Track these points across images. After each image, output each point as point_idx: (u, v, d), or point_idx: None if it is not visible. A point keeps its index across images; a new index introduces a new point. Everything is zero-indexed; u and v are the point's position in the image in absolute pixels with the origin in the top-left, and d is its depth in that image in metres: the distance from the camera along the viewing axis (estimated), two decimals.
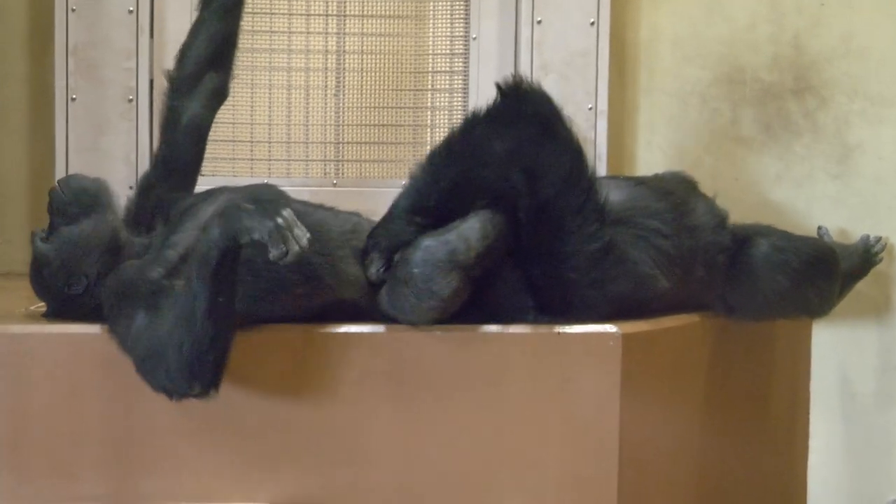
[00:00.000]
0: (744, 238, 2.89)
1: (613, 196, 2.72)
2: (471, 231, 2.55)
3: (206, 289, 2.33)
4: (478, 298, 2.63)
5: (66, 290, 2.61)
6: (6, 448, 2.56)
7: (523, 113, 2.62)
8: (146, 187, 2.78)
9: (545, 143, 2.60)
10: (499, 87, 2.66)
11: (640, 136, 3.65)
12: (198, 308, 2.33)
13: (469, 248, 2.53)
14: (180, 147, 2.79)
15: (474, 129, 2.64)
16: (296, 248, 2.29)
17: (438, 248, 2.52)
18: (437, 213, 2.61)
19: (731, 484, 2.99)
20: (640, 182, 2.86)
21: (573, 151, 2.64)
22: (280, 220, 2.29)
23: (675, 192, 2.86)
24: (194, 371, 2.35)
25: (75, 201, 2.63)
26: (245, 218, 2.31)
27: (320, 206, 2.74)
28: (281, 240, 2.28)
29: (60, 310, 2.65)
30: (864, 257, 3.29)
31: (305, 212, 2.66)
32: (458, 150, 2.63)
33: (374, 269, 2.59)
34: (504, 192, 2.59)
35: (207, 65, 2.79)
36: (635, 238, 2.70)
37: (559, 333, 2.63)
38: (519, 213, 2.60)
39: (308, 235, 2.31)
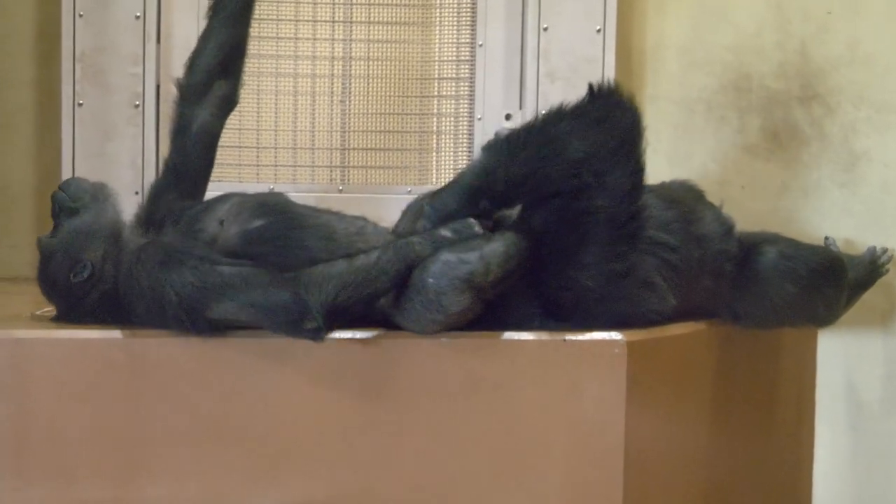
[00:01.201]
0: (751, 246, 2.88)
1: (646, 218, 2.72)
2: (493, 256, 2.54)
3: (389, 279, 2.50)
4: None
5: (71, 278, 2.62)
6: (11, 452, 2.56)
7: (610, 119, 2.62)
8: (156, 194, 2.79)
9: (621, 155, 2.60)
10: (591, 87, 2.67)
11: (646, 144, 3.64)
12: (364, 284, 2.49)
13: (488, 272, 2.53)
14: (190, 154, 2.80)
15: (560, 122, 2.63)
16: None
17: (458, 265, 2.52)
18: (503, 198, 2.62)
19: (736, 492, 2.99)
20: (649, 191, 2.85)
21: (639, 172, 2.64)
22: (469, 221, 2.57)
23: (683, 200, 2.85)
24: (331, 315, 2.46)
25: (76, 199, 2.68)
26: (453, 244, 2.54)
27: (326, 211, 2.75)
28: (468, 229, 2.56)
29: (67, 304, 2.66)
30: (871, 268, 3.28)
31: (311, 215, 2.69)
32: (539, 140, 2.62)
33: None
34: (569, 189, 2.59)
35: (217, 72, 2.81)
36: (651, 258, 2.70)
37: (565, 340, 2.62)
38: (565, 212, 2.60)
39: None
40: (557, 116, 2.65)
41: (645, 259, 2.68)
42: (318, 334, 2.46)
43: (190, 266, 2.50)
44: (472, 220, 2.57)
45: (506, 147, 2.64)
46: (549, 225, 2.61)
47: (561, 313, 2.64)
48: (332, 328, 2.48)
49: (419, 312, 2.53)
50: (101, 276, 2.63)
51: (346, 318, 2.50)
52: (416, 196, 2.81)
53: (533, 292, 2.64)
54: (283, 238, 2.60)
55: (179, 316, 2.50)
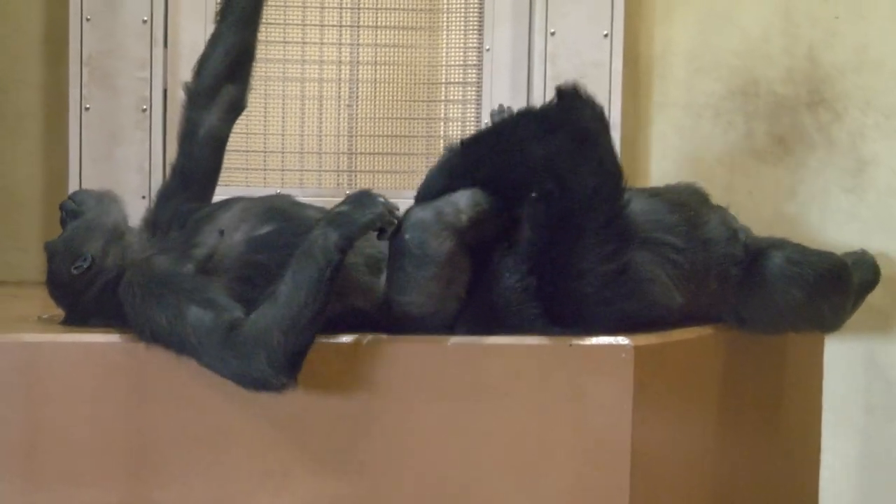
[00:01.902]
0: (758, 250, 2.88)
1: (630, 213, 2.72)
2: (460, 197, 2.55)
3: (320, 289, 2.41)
4: (486, 303, 2.63)
5: (72, 271, 2.64)
6: (20, 456, 2.56)
7: (569, 121, 2.62)
8: (164, 198, 2.79)
9: (580, 156, 2.60)
10: (557, 89, 2.67)
11: (653, 148, 3.65)
12: (307, 307, 2.40)
13: (458, 210, 2.53)
14: (198, 159, 2.81)
15: (519, 126, 2.64)
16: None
17: (427, 213, 2.53)
18: None
19: (742, 496, 2.98)
20: (655, 193, 2.85)
21: (606, 171, 2.63)
22: (378, 197, 2.50)
23: (689, 203, 2.85)
24: (290, 364, 2.42)
25: (81, 203, 2.72)
26: (354, 215, 2.46)
27: None
28: (390, 218, 2.49)
29: (70, 299, 2.68)
30: (875, 270, 3.27)
31: (317, 219, 2.68)
32: (499, 143, 2.63)
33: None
34: (535, 196, 2.59)
35: (225, 77, 2.81)
36: (650, 254, 2.69)
37: (571, 345, 2.62)
38: (539, 219, 2.60)
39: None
40: (518, 120, 2.67)
41: (644, 254, 2.67)
42: (285, 388, 2.44)
43: (165, 304, 2.50)
44: (370, 190, 2.54)
45: (467, 150, 2.66)
46: (534, 236, 2.61)
47: (565, 321, 2.64)
48: (296, 373, 2.43)
49: (412, 276, 2.53)
50: (101, 269, 2.65)
51: (307, 349, 2.44)
52: None
53: (535, 295, 2.64)
54: (290, 246, 2.58)
55: (153, 345, 2.53)
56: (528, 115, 2.66)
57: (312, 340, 2.43)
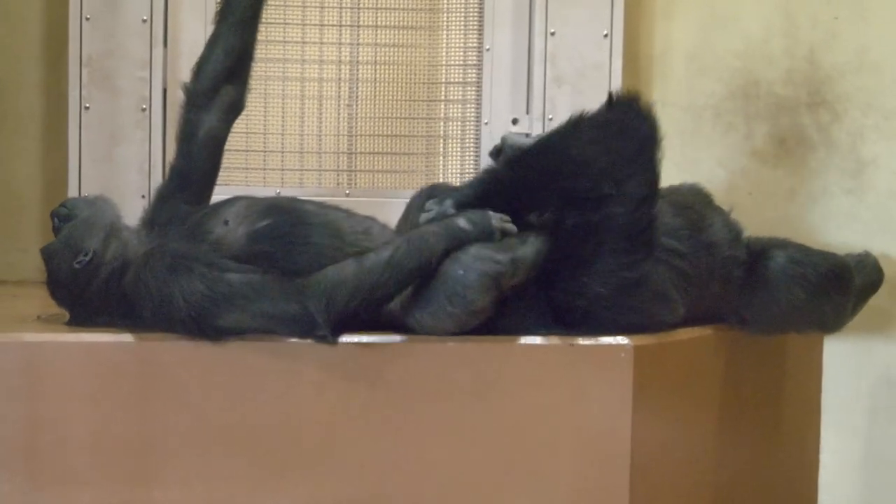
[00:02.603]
0: (760, 250, 2.88)
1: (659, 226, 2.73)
2: (524, 259, 2.55)
3: (404, 280, 2.50)
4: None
5: (74, 265, 2.64)
6: (20, 456, 2.56)
7: (629, 128, 2.63)
8: (162, 198, 2.79)
9: (639, 164, 2.61)
10: (610, 96, 2.68)
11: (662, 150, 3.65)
12: (382, 287, 2.49)
13: (515, 274, 2.54)
14: (196, 159, 2.81)
15: (579, 134, 2.64)
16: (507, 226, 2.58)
17: (489, 263, 2.52)
18: (523, 208, 2.65)
19: (742, 497, 2.98)
20: (660, 196, 2.85)
21: (655, 181, 2.65)
22: (495, 222, 2.56)
23: (693, 206, 2.85)
24: (340, 323, 2.49)
25: (74, 208, 2.72)
26: (471, 233, 2.54)
27: (335, 208, 2.76)
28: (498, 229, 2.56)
29: (73, 296, 2.68)
30: (878, 272, 3.27)
31: (317, 212, 2.71)
32: (558, 154, 2.63)
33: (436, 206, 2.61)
34: (586, 199, 2.60)
35: (224, 78, 2.81)
36: (661, 266, 2.69)
37: (571, 345, 2.62)
38: (578, 220, 2.60)
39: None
40: (576, 128, 2.65)
41: (657, 269, 2.67)
42: (327, 340, 2.49)
43: (199, 273, 2.51)
44: (489, 212, 2.57)
45: (527, 162, 2.65)
46: (565, 231, 2.61)
47: (571, 320, 2.64)
48: (341, 334, 2.50)
49: (440, 304, 2.52)
50: (102, 261, 2.65)
51: (358, 321, 2.51)
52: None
53: (543, 298, 2.64)
54: (288, 235, 2.62)
55: (188, 322, 2.51)
56: (586, 121, 2.65)
57: (367, 313, 2.50)
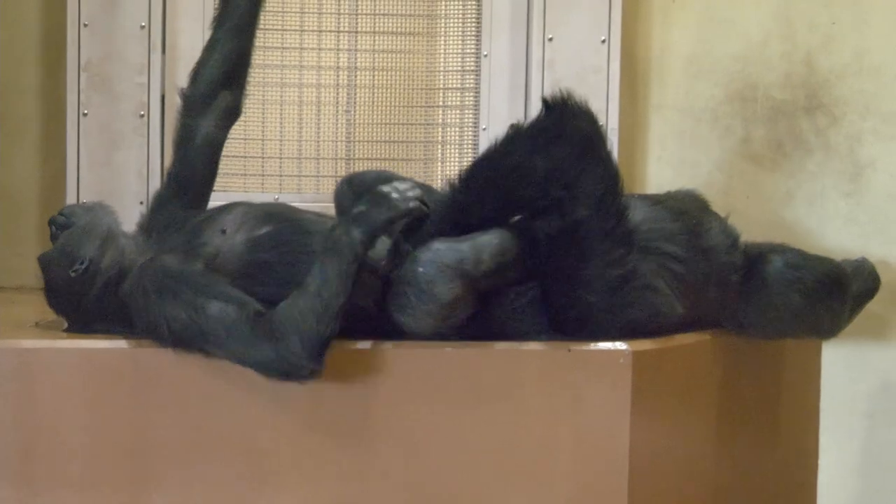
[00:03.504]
0: (757, 255, 2.88)
1: (632, 216, 2.72)
2: (486, 245, 2.55)
3: (347, 282, 2.47)
4: (490, 317, 2.63)
5: (70, 274, 2.65)
6: (17, 461, 2.56)
7: (567, 130, 2.62)
8: (159, 204, 2.80)
9: (585, 164, 2.60)
10: (545, 101, 2.67)
11: (651, 153, 3.65)
12: (336, 297, 2.46)
13: (479, 261, 2.53)
14: (194, 165, 2.81)
15: (516, 144, 2.64)
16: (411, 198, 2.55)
17: (447, 253, 2.53)
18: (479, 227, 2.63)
19: (740, 501, 2.98)
20: (657, 201, 2.85)
21: (611, 175, 2.64)
22: (393, 194, 2.53)
23: (690, 211, 2.85)
24: (320, 351, 2.46)
25: (71, 215, 2.73)
26: (373, 213, 2.51)
27: (332, 217, 2.76)
28: (404, 202, 2.53)
29: (71, 303, 2.68)
30: (875, 278, 3.27)
31: (316, 220, 2.72)
32: (498, 167, 2.63)
33: (382, 250, 2.58)
34: (543, 209, 2.59)
35: (221, 84, 2.82)
36: (653, 263, 2.69)
37: (570, 350, 2.62)
38: (548, 231, 2.60)
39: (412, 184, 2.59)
40: (514, 140, 2.65)
41: (647, 263, 2.67)
42: (314, 376, 2.48)
43: (183, 301, 2.52)
44: (381, 186, 2.56)
45: (468, 181, 2.65)
46: (542, 244, 2.61)
47: (570, 330, 2.64)
48: (323, 360, 2.47)
49: (413, 305, 2.53)
50: (99, 269, 2.65)
51: (333, 338, 2.49)
52: None
53: (540, 307, 2.64)
54: (288, 244, 2.62)
55: (174, 345, 2.54)
56: (523, 132, 2.65)
57: (338, 331, 2.48)
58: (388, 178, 2.71)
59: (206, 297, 2.51)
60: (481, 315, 2.63)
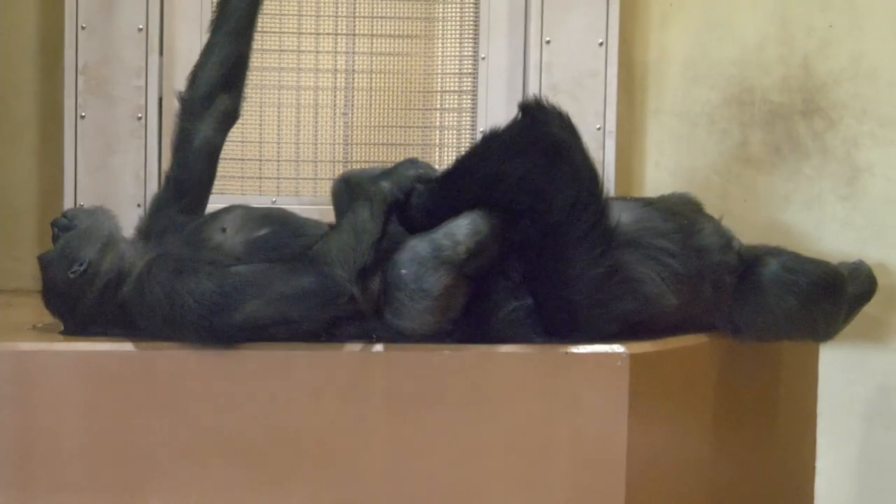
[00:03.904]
0: (753, 258, 2.88)
1: (622, 217, 2.72)
2: (458, 228, 2.56)
3: (378, 221, 2.54)
4: (484, 324, 2.63)
5: (69, 275, 2.65)
6: (13, 465, 2.56)
7: (538, 137, 2.61)
8: (157, 207, 2.80)
9: (555, 170, 2.59)
10: (520, 106, 2.66)
11: (648, 156, 3.65)
12: (368, 233, 2.53)
13: (456, 243, 2.54)
14: (192, 168, 2.82)
15: (488, 151, 2.63)
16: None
17: (424, 246, 2.54)
18: None
19: None
20: (648, 203, 2.86)
21: (583, 178, 2.63)
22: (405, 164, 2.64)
23: (683, 212, 2.86)
24: (361, 275, 2.51)
25: (73, 217, 2.73)
26: (400, 169, 2.63)
27: (329, 224, 2.76)
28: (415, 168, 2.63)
29: (68, 305, 2.68)
30: (871, 281, 3.27)
31: (313, 224, 2.74)
32: (473, 172, 2.63)
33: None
34: (518, 214, 2.59)
35: (219, 87, 2.82)
36: (644, 257, 2.70)
37: (567, 353, 2.62)
38: (525, 235, 2.60)
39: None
40: (487, 144, 2.65)
41: (633, 255, 2.68)
42: (356, 300, 2.52)
43: (206, 272, 2.51)
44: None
45: (442, 187, 2.65)
46: (523, 250, 2.61)
47: (562, 332, 2.64)
48: (365, 285, 2.52)
49: (408, 307, 2.54)
50: (97, 272, 2.65)
51: (369, 268, 2.53)
52: None
53: (532, 313, 2.64)
54: (286, 246, 2.63)
55: (201, 325, 2.51)
56: (495, 139, 2.65)
57: (373, 261, 2.52)
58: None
59: (228, 265, 2.53)
60: (475, 328, 2.63)
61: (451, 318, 2.59)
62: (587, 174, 2.65)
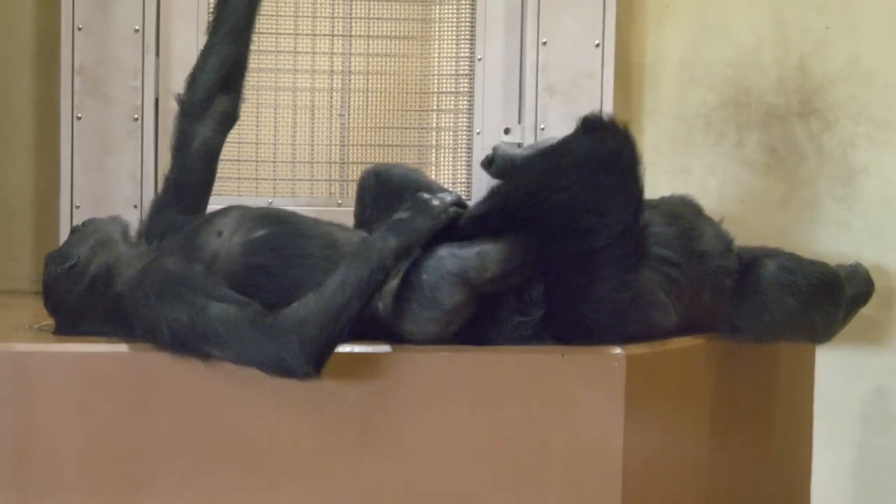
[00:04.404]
0: (751, 259, 2.89)
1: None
2: (492, 253, 2.54)
3: (366, 291, 2.46)
4: (484, 335, 2.64)
5: (58, 270, 2.67)
6: (11, 466, 2.55)
7: (611, 158, 2.58)
8: (157, 209, 2.81)
9: (622, 193, 2.58)
10: (586, 122, 2.63)
11: (644, 158, 3.65)
12: (349, 306, 2.45)
13: (484, 269, 2.53)
14: (191, 170, 2.82)
15: (560, 168, 2.60)
16: (449, 201, 2.57)
17: (452, 260, 2.53)
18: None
19: None
20: (650, 206, 2.85)
21: (636, 205, 2.62)
22: (434, 202, 2.55)
23: (684, 216, 2.86)
24: (319, 356, 2.44)
25: (87, 223, 2.77)
26: (414, 222, 2.53)
27: (327, 223, 2.76)
28: (444, 211, 2.55)
29: (56, 299, 2.70)
30: (869, 283, 3.28)
31: (312, 224, 2.73)
32: (529, 185, 2.61)
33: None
34: (569, 233, 2.58)
35: (218, 89, 2.82)
36: (654, 273, 2.69)
37: (564, 355, 2.62)
38: (566, 253, 2.59)
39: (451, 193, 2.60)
40: (556, 162, 2.61)
41: (648, 276, 2.68)
42: (309, 378, 2.46)
43: (185, 302, 2.51)
44: (423, 194, 2.57)
45: (508, 195, 2.63)
46: (556, 262, 2.61)
47: (568, 340, 2.64)
48: (322, 366, 2.46)
49: (416, 312, 2.54)
50: (87, 269, 2.67)
51: (337, 345, 2.48)
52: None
53: (536, 334, 2.65)
54: (285, 247, 2.63)
55: (173, 347, 2.53)
56: (568, 155, 2.61)
57: (344, 338, 2.47)
58: (417, 179, 2.79)
59: (208, 299, 2.50)
60: (480, 334, 2.64)
61: (452, 332, 2.59)
62: (638, 199, 2.64)
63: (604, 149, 2.60)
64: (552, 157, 2.63)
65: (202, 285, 2.54)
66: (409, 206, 2.56)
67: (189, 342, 2.51)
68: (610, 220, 2.57)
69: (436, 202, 2.55)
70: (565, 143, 2.64)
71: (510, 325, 2.64)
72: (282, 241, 2.64)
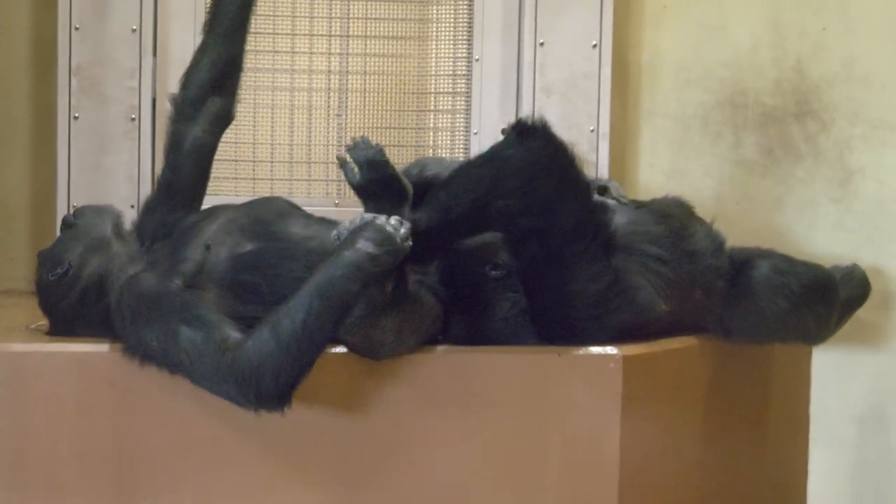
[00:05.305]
0: (744, 260, 2.89)
1: (616, 220, 2.72)
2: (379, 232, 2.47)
3: (326, 335, 2.41)
4: (477, 330, 2.64)
5: (49, 277, 2.66)
6: (7, 467, 2.55)
7: (544, 162, 2.57)
8: (149, 210, 2.79)
9: (565, 193, 2.58)
10: (515, 128, 2.62)
11: (641, 158, 3.65)
12: (309, 351, 2.40)
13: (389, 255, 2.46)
14: (183, 171, 2.79)
15: (480, 175, 2.59)
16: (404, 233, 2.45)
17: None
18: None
19: None
20: (640, 205, 2.86)
21: (581, 200, 2.62)
22: (386, 228, 2.44)
23: (674, 215, 2.86)
24: (280, 397, 2.41)
25: (79, 216, 2.75)
26: (363, 247, 2.42)
27: (323, 224, 2.73)
28: (390, 242, 2.43)
29: (48, 304, 2.69)
30: (865, 285, 3.28)
31: (302, 241, 2.68)
32: (467, 196, 2.60)
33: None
34: (516, 238, 2.59)
35: (212, 89, 2.80)
36: (636, 265, 2.70)
37: (560, 355, 2.62)
38: (525, 255, 2.60)
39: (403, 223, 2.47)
40: (497, 169, 2.59)
41: (629, 264, 2.68)
42: (275, 412, 2.44)
43: (157, 325, 2.50)
44: (385, 225, 2.46)
45: (450, 206, 2.62)
46: (522, 265, 2.61)
47: (558, 341, 2.65)
48: (285, 403, 2.42)
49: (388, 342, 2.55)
50: (78, 276, 2.65)
51: (300, 381, 2.42)
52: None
53: (530, 329, 2.65)
54: (274, 267, 2.58)
55: (150, 364, 2.53)
56: (502, 167, 2.59)
57: (308, 373, 2.42)
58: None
59: (178, 323, 2.48)
60: (472, 334, 2.64)
61: (405, 341, 2.59)
62: (585, 191, 2.64)
63: (539, 153, 2.59)
64: (491, 165, 2.62)
65: (176, 307, 2.51)
66: (376, 239, 2.43)
67: (161, 364, 2.51)
68: (559, 219, 2.57)
69: (400, 237, 2.45)
70: (500, 149, 2.61)
71: (503, 309, 2.64)
72: (270, 262, 2.60)
